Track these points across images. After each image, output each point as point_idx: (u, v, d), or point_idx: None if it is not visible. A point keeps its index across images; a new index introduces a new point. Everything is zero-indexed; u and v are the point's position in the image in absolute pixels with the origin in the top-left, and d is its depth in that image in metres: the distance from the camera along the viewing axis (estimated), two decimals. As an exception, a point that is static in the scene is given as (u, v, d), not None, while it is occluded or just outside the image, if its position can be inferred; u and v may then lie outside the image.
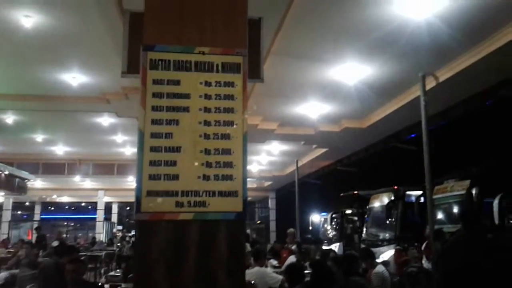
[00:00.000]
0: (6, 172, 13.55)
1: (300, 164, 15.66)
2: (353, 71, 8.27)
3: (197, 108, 2.36)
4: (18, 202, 24.25)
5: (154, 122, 2.27)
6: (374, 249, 8.42)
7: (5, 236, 20.15)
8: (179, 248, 2.16)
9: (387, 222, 12.39)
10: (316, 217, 22.44)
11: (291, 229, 11.14)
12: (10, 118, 12.71)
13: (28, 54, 8.27)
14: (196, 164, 2.26)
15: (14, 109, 12.07)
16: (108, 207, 25.40)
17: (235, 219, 2.24)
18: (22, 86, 10.32)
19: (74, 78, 9.49)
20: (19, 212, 27.66)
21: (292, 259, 7.70)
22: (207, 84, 2.40)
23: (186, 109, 2.34)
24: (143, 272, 2.14)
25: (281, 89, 9.37)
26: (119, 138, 15.35)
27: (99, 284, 5.74)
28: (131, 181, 21.54)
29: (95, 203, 24.49)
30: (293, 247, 9.38)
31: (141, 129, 2.25)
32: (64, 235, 18.54)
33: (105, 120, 13.04)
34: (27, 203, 25.96)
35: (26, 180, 15.31)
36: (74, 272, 3.88)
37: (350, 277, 4.22)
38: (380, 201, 13.03)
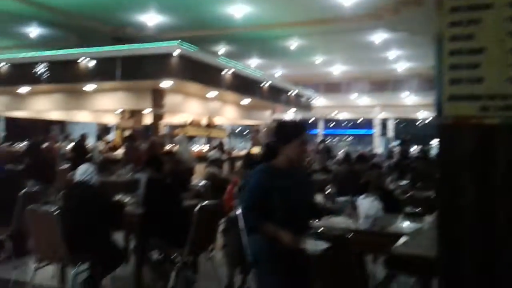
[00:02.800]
0: (295, 92, 15.34)
1: None
2: None
3: (502, 3, 2.14)
4: (304, 119, 27.31)
5: (453, 24, 2.19)
6: None
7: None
8: (485, 153, 2.11)
9: None
10: None
11: None
12: (294, 44, 14.16)
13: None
14: (502, 65, 2.11)
15: (297, 35, 13.35)
16: (384, 123, 25.99)
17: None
18: (302, 13, 11.25)
19: (350, -3, 9.74)
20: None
21: None
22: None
23: (488, 6, 2.15)
24: (447, 176, 2.20)
25: None
26: (392, 54, 15.25)
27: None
28: (405, 97, 21.37)
29: (372, 119, 25.41)
30: None
31: (439, 33, 2.21)
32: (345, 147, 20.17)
33: (378, 37, 13.10)
34: (311, 120, 29.00)
35: (310, 99, 17.04)
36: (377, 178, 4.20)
37: None
38: None
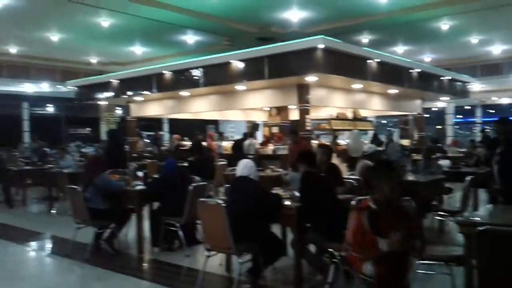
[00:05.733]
0: (448, 77, 14.17)
1: None
2: None
3: None
4: (459, 106, 25.11)
5: None
6: None
7: (452, 139, 21.58)
8: None
9: None
10: None
11: None
12: (445, 25, 13.08)
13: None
14: None
15: (449, 15, 12.31)
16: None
17: None
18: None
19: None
20: (460, 116, 28.52)
21: None
22: None
23: None
24: None
25: None
26: None
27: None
28: None
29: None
30: None
31: None
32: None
33: (550, 6, 11.39)
34: (466, 107, 26.48)
35: (466, 84, 15.56)
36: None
37: None
38: None
